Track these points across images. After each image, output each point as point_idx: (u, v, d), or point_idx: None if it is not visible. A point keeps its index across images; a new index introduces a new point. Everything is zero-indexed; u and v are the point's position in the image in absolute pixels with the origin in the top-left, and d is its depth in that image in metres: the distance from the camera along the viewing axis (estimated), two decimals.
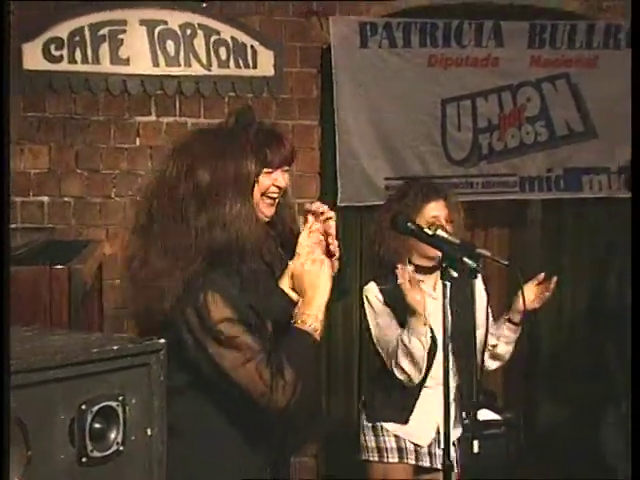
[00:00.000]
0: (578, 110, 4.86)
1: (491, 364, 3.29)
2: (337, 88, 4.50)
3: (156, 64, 4.31)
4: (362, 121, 4.56)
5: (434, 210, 3.18)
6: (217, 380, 2.07)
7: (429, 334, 3.01)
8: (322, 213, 2.33)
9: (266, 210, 2.30)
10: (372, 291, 3.20)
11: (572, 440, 4.64)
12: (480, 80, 4.73)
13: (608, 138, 4.84)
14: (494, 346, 3.21)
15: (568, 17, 4.82)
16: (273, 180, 2.30)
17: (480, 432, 3.16)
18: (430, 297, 3.12)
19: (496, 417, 4.17)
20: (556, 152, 4.87)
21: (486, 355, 3.20)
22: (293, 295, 2.20)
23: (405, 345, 3.03)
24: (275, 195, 2.30)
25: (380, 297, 3.18)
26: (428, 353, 3.02)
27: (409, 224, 2.51)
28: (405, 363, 3.06)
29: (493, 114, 4.78)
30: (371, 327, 3.20)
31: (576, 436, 4.54)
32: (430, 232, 2.50)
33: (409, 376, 3.09)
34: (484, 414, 3.53)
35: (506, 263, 2.96)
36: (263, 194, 2.28)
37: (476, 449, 2.72)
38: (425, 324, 2.98)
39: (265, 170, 2.27)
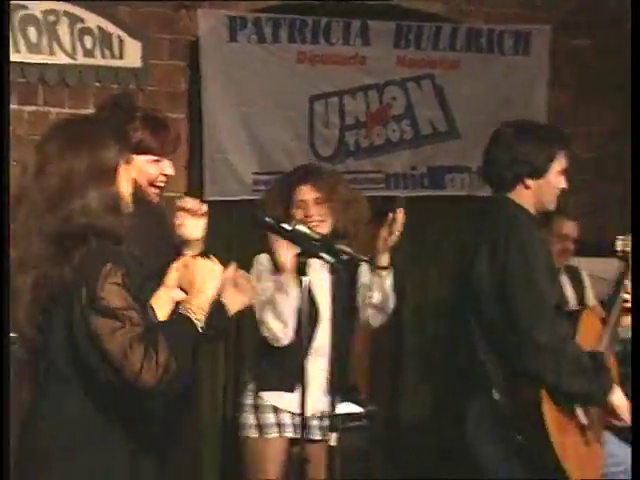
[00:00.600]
0: (442, 110, 4.99)
1: (373, 317, 3.34)
2: (205, 81, 4.47)
3: (17, 50, 4.17)
4: (230, 115, 4.55)
5: (302, 194, 3.22)
6: (90, 349, 1.99)
7: (297, 294, 2.98)
8: (196, 210, 2.35)
9: (153, 199, 2.29)
10: (262, 259, 3.22)
11: (438, 434, 4.75)
12: (347, 78, 4.79)
13: (470, 138, 4.96)
14: (370, 297, 3.27)
15: (433, 19, 4.94)
16: (161, 169, 2.30)
17: (340, 424, 3.22)
18: (318, 280, 3.12)
19: (358, 409, 4.26)
20: (420, 150, 4.98)
21: (367, 309, 3.28)
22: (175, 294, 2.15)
23: (270, 298, 3.08)
24: (162, 184, 2.31)
25: (268, 265, 3.20)
26: (310, 322, 3.02)
27: (267, 219, 2.52)
28: (269, 317, 3.11)
29: (360, 112, 4.84)
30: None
31: (442, 430, 4.65)
32: (289, 227, 2.50)
33: (273, 331, 3.12)
34: (345, 407, 3.60)
35: (365, 259, 3.01)
36: (151, 183, 2.27)
37: (333, 442, 2.77)
38: (293, 283, 3.00)
39: (152, 158, 2.26)
